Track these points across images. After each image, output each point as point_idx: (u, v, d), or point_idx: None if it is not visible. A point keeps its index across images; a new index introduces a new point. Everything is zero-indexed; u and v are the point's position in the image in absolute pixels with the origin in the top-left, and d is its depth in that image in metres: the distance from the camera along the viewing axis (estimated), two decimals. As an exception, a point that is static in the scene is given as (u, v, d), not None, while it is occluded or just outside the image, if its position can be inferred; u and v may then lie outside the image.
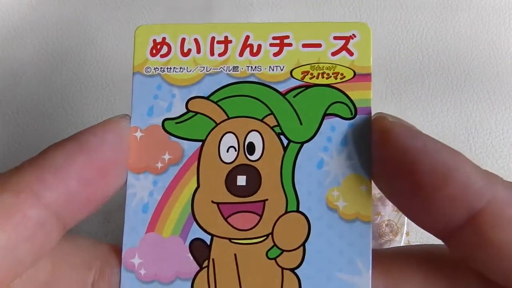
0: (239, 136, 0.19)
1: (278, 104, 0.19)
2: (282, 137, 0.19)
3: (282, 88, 0.19)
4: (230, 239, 0.19)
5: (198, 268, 0.19)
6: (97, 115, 0.44)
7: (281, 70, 0.19)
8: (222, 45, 0.19)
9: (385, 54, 0.45)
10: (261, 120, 0.19)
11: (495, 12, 0.46)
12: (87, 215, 0.18)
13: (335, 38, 0.19)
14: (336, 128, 0.19)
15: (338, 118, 0.19)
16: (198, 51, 0.19)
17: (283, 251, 0.18)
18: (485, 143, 0.44)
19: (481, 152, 0.44)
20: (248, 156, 0.19)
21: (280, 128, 0.19)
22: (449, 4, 0.46)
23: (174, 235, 0.19)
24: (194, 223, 0.19)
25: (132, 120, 0.19)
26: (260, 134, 0.19)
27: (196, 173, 0.19)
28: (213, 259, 0.19)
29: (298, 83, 0.19)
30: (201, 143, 0.19)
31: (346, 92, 0.19)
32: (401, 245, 0.39)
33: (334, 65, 0.19)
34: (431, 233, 0.18)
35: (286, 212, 0.19)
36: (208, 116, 0.19)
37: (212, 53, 0.19)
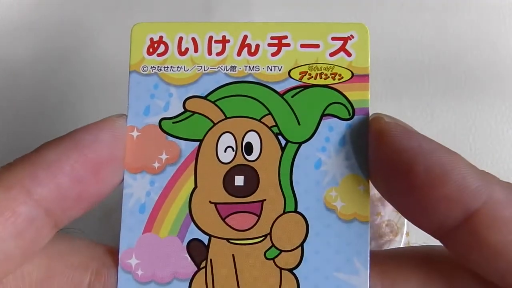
0: (237, 136, 0.19)
1: (276, 104, 0.19)
2: (280, 137, 0.19)
3: (280, 88, 0.19)
4: (228, 240, 0.19)
5: (195, 269, 0.19)
6: (97, 115, 0.44)
7: (279, 70, 0.19)
8: (220, 45, 0.19)
9: (385, 54, 0.45)
10: (259, 120, 0.19)
11: (495, 12, 0.46)
12: (81, 213, 0.18)
13: (333, 38, 0.19)
14: (334, 129, 0.19)
15: (336, 119, 0.19)
16: (196, 50, 0.19)
17: (281, 251, 0.18)
18: (485, 143, 0.44)
19: (481, 152, 0.43)
20: (246, 156, 0.19)
21: (278, 128, 0.19)
22: (449, 4, 0.46)
23: (172, 236, 0.19)
24: (192, 223, 0.19)
25: (128, 119, 0.19)
26: (258, 134, 0.19)
27: (194, 173, 0.19)
28: (211, 260, 0.19)
29: (296, 83, 0.19)
30: (198, 143, 0.19)
31: (344, 93, 0.19)
32: (401, 245, 0.39)
33: (332, 66, 0.19)
34: (427, 233, 0.18)
35: (284, 212, 0.19)
36: (205, 116, 0.19)
37: (209, 53, 0.19)
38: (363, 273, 0.18)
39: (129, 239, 0.19)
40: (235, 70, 0.19)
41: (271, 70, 0.19)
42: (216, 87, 0.19)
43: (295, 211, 0.19)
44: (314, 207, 0.19)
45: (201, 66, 0.19)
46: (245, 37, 0.19)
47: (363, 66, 0.19)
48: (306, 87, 0.19)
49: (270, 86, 0.19)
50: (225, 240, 0.19)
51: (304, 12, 0.46)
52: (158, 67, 0.19)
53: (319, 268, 0.18)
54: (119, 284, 0.19)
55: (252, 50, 0.19)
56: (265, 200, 0.19)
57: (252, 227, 0.19)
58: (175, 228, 0.19)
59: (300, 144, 0.19)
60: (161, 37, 0.20)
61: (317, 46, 0.19)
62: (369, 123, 0.19)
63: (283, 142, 0.19)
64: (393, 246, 0.39)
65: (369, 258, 0.18)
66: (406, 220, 0.40)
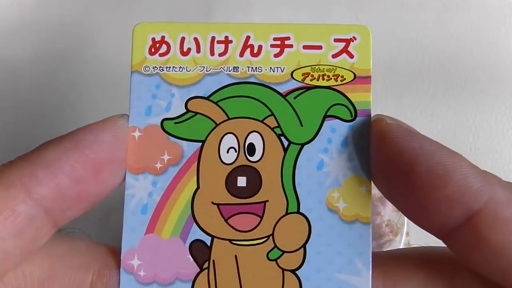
0: (240, 137, 0.19)
1: (278, 105, 0.19)
2: (282, 138, 0.19)
3: (282, 89, 0.19)
4: (230, 241, 0.19)
5: (198, 270, 0.19)
6: (97, 115, 0.44)
7: (282, 71, 0.19)
8: (223, 45, 0.19)
9: (385, 54, 0.45)
10: (262, 121, 0.19)
11: (495, 12, 0.46)
12: (80, 213, 0.18)
13: (336, 40, 0.19)
14: (336, 130, 0.19)
15: (338, 120, 0.19)
16: (198, 51, 0.19)
17: (284, 252, 0.18)
18: (485, 143, 0.44)
19: (481, 152, 0.43)
20: (249, 157, 0.19)
21: (281, 129, 0.19)
22: (449, 4, 0.46)
23: (174, 236, 0.19)
24: (194, 224, 0.19)
25: (130, 119, 0.19)
26: (261, 135, 0.19)
27: (196, 173, 0.19)
28: (213, 261, 0.19)
29: (298, 84, 0.19)
30: (201, 143, 0.19)
31: (346, 94, 0.19)
32: (401, 245, 0.39)
33: (334, 67, 0.19)
34: (429, 233, 0.18)
35: (287, 213, 0.19)
36: (208, 117, 0.19)
37: (212, 53, 0.19)
38: (365, 274, 0.18)
39: (131, 240, 0.19)
40: (238, 71, 0.19)
41: (273, 71, 0.19)
42: (218, 87, 0.19)
43: (298, 212, 0.19)
44: (317, 208, 0.19)
45: (204, 67, 0.19)
46: (248, 37, 0.19)
47: (365, 68, 0.19)
48: (308, 88, 0.19)
49: (272, 87, 0.19)
50: (228, 241, 0.19)
51: (304, 12, 0.46)
52: (160, 67, 0.19)
53: (321, 269, 0.18)
54: (121, 285, 0.19)
55: (255, 51, 0.19)
56: (267, 201, 0.19)
57: (255, 228, 0.19)
58: (178, 229, 0.19)
59: (302, 145, 0.19)
60: (163, 37, 0.19)
61: (319, 47, 0.19)
62: (371, 124, 0.19)
63: (285, 143, 0.19)
64: (393, 246, 0.39)
65: (371, 259, 0.18)
66: (406, 220, 0.40)
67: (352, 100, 0.19)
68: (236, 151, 0.19)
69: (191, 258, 0.19)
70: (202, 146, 0.19)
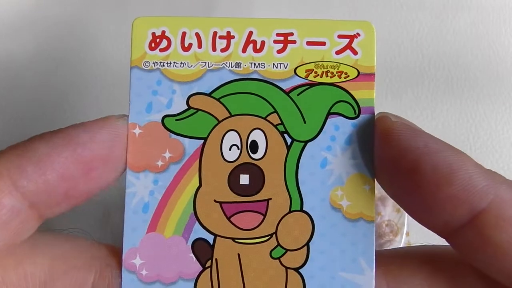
0: (242, 134, 0.19)
1: (281, 102, 0.19)
2: (285, 135, 0.19)
3: (285, 86, 0.19)
4: (233, 239, 0.18)
5: (201, 268, 0.18)
6: (97, 115, 0.44)
7: (285, 67, 0.19)
8: (225, 40, 0.19)
9: (385, 54, 0.45)
10: (264, 118, 0.19)
11: (495, 12, 0.46)
12: (68, 209, 0.18)
13: (339, 36, 0.19)
14: (339, 127, 0.19)
15: (341, 117, 0.19)
16: (200, 46, 0.19)
17: (287, 250, 0.18)
18: (485, 143, 0.44)
19: (481, 152, 0.43)
20: (251, 154, 0.19)
21: (284, 127, 0.19)
22: (449, 4, 0.46)
23: (176, 235, 0.19)
24: (197, 222, 0.19)
25: (130, 116, 0.19)
26: (263, 132, 0.19)
27: (198, 171, 0.19)
28: (216, 259, 0.18)
29: (302, 81, 0.19)
30: (202, 141, 0.19)
31: (350, 91, 0.19)
32: (401, 245, 0.39)
33: (338, 64, 0.19)
34: (433, 232, 0.18)
35: (290, 211, 0.18)
36: (210, 113, 0.19)
37: (214, 49, 0.19)
38: (368, 272, 0.18)
39: (133, 239, 0.19)
40: (240, 67, 0.19)
41: (276, 67, 0.19)
42: (220, 84, 0.19)
43: (301, 210, 0.18)
44: (320, 206, 0.18)
45: (205, 63, 0.19)
46: (250, 33, 0.19)
47: (369, 65, 0.19)
48: (312, 85, 0.19)
49: (275, 84, 0.19)
50: (231, 240, 0.18)
51: (304, 11, 0.46)
52: (160, 62, 0.19)
53: (324, 267, 0.18)
54: (123, 284, 0.18)
55: (258, 47, 0.19)
56: (270, 199, 0.18)
57: (258, 226, 0.18)
58: (180, 228, 0.19)
59: (306, 142, 0.19)
60: (163, 31, 0.19)
61: (323, 43, 0.19)
62: (375, 122, 0.18)
63: (288, 140, 0.19)
64: (393, 246, 0.39)
65: (374, 258, 0.18)
66: (406, 220, 0.40)
67: (356, 97, 0.19)
68: (238, 149, 0.19)
69: (194, 257, 0.18)
70: (204, 144, 0.19)
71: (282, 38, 0.19)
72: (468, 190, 0.16)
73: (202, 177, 0.19)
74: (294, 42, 0.19)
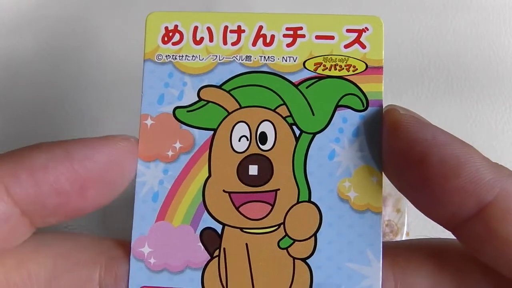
0: (251, 126, 0.19)
1: (290, 95, 0.19)
2: (294, 127, 0.19)
3: (294, 79, 0.19)
4: (241, 229, 0.19)
5: (209, 258, 0.19)
6: (97, 115, 0.44)
7: (294, 61, 0.19)
8: (235, 34, 0.19)
9: (385, 54, 0.45)
10: (274, 110, 0.19)
11: (495, 12, 0.46)
12: (59, 222, 0.18)
13: (348, 30, 0.19)
14: (348, 120, 0.19)
15: (350, 110, 0.19)
16: (211, 40, 0.19)
17: (294, 241, 0.18)
18: (485, 143, 0.44)
19: (481, 152, 0.44)
20: (260, 145, 0.19)
21: (293, 119, 0.19)
22: (449, 4, 0.46)
23: (185, 224, 0.19)
24: (205, 212, 0.19)
25: (142, 107, 0.19)
26: (272, 124, 0.19)
27: (208, 162, 0.19)
28: (224, 249, 0.19)
29: (310, 74, 0.19)
30: (212, 132, 0.19)
31: (358, 84, 0.19)
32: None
33: (346, 58, 0.19)
34: (440, 224, 0.18)
35: (298, 202, 0.19)
36: (220, 105, 0.19)
37: (225, 42, 0.19)
38: (375, 264, 0.18)
39: (142, 228, 0.19)
40: (250, 60, 0.19)
41: (286, 60, 0.19)
42: (231, 76, 0.19)
43: (309, 201, 0.19)
44: (328, 197, 0.19)
45: (216, 56, 0.19)
46: (261, 27, 0.19)
47: (377, 58, 0.19)
48: (320, 78, 0.19)
49: (285, 77, 0.19)
50: (239, 229, 0.19)
51: (305, 10, 0.46)
52: (173, 55, 0.19)
53: (332, 258, 0.18)
54: (131, 272, 0.18)
55: (267, 41, 0.19)
56: (279, 189, 0.19)
57: (266, 216, 0.19)
58: (189, 217, 0.19)
59: (314, 134, 0.19)
60: (176, 26, 0.20)
61: (332, 37, 0.19)
62: (383, 114, 0.19)
63: (297, 132, 0.19)
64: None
65: (381, 249, 0.18)
66: (406, 220, 0.40)
67: (364, 90, 0.19)
68: (248, 140, 0.19)
69: (202, 246, 0.19)
70: (214, 135, 0.19)
71: (291, 32, 0.19)
72: (475, 182, 0.16)
73: (212, 167, 0.19)
74: (303, 36, 0.19)
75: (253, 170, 0.19)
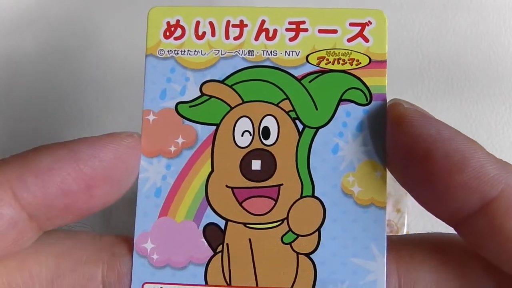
0: (254, 121, 0.19)
1: (293, 89, 0.19)
2: (297, 122, 0.19)
3: (297, 73, 0.19)
4: (244, 224, 0.18)
5: (212, 253, 0.18)
6: (97, 115, 0.44)
7: (297, 55, 0.19)
8: (238, 29, 0.19)
9: (385, 53, 0.45)
10: (276, 105, 0.19)
11: (495, 12, 0.46)
12: (68, 223, 0.18)
13: (351, 24, 0.19)
14: (351, 114, 0.19)
15: (353, 104, 0.19)
16: (213, 34, 0.19)
17: (298, 236, 0.18)
18: (485, 143, 0.44)
19: (481, 151, 0.44)
20: (263, 140, 0.19)
21: (296, 113, 0.19)
22: (449, 4, 0.46)
23: (188, 220, 0.19)
24: (208, 207, 0.19)
25: (144, 103, 0.19)
26: (275, 118, 0.19)
27: (210, 157, 0.19)
28: (227, 244, 0.18)
29: (313, 68, 0.19)
30: (215, 127, 0.19)
31: (362, 78, 0.19)
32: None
33: (349, 51, 0.19)
34: (442, 220, 0.18)
35: (301, 197, 0.19)
36: (222, 100, 0.19)
37: (227, 37, 0.19)
38: (380, 259, 0.18)
39: (145, 223, 0.19)
40: (253, 55, 0.19)
41: (288, 55, 0.19)
42: (233, 71, 0.19)
43: (312, 196, 0.19)
44: (331, 192, 0.18)
45: (219, 50, 0.19)
46: (263, 21, 0.19)
47: (380, 52, 0.19)
48: (323, 72, 0.19)
49: (287, 71, 0.19)
50: (242, 225, 0.18)
51: (306, 5, 0.46)
52: (175, 50, 0.19)
53: (336, 253, 0.18)
54: (134, 268, 0.18)
55: (270, 35, 0.19)
56: (282, 184, 0.19)
57: (269, 211, 0.18)
58: (191, 212, 0.19)
59: (317, 129, 0.19)
60: (178, 20, 0.19)
61: (335, 31, 0.19)
62: (387, 108, 0.18)
63: (300, 127, 0.19)
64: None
65: (386, 244, 0.18)
66: (406, 220, 0.40)
67: (368, 84, 0.19)
68: (250, 135, 0.19)
69: (205, 242, 0.19)
70: (216, 130, 0.19)
71: (294, 26, 0.19)
72: (480, 178, 0.16)
73: (214, 162, 0.19)
74: (306, 30, 0.19)
75: (256, 165, 0.19)
